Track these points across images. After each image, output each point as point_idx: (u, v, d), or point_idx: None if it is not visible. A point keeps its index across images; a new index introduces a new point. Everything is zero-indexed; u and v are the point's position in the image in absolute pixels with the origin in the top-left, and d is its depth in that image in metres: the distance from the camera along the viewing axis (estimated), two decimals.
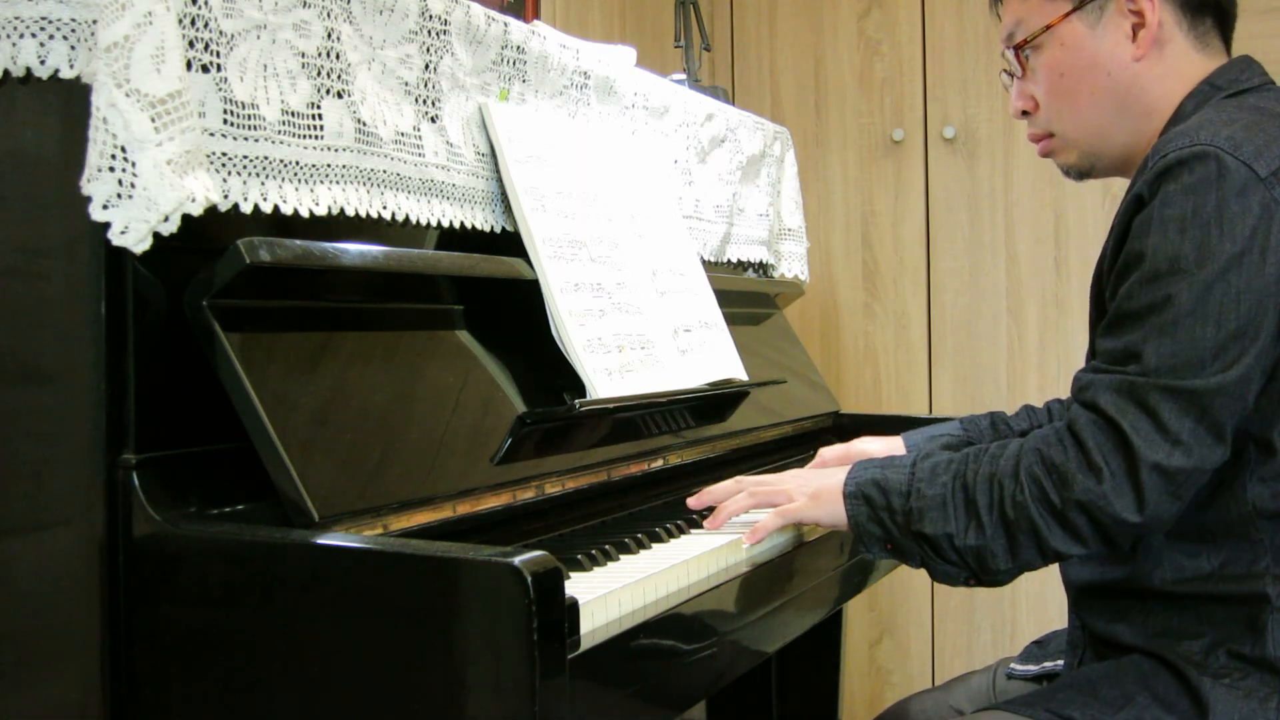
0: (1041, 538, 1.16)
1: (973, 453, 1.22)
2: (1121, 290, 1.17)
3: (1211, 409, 1.11)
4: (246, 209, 1.06)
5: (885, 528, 1.24)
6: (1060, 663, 1.41)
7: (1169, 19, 1.27)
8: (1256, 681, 1.16)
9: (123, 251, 0.97)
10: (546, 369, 1.36)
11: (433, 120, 1.32)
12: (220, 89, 1.04)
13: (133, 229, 0.94)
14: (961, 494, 1.19)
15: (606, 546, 1.22)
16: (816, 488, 1.31)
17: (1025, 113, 1.37)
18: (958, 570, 1.21)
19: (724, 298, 1.77)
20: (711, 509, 1.38)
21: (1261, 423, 1.16)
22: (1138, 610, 1.24)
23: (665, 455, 1.54)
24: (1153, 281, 1.14)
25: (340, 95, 1.17)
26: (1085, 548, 1.17)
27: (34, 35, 0.99)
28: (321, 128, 1.15)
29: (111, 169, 0.94)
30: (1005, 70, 1.38)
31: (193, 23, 1.01)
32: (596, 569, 1.18)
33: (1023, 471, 1.16)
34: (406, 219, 1.27)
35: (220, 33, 1.04)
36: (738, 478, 1.41)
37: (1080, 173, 1.37)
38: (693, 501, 1.41)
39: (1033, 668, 1.47)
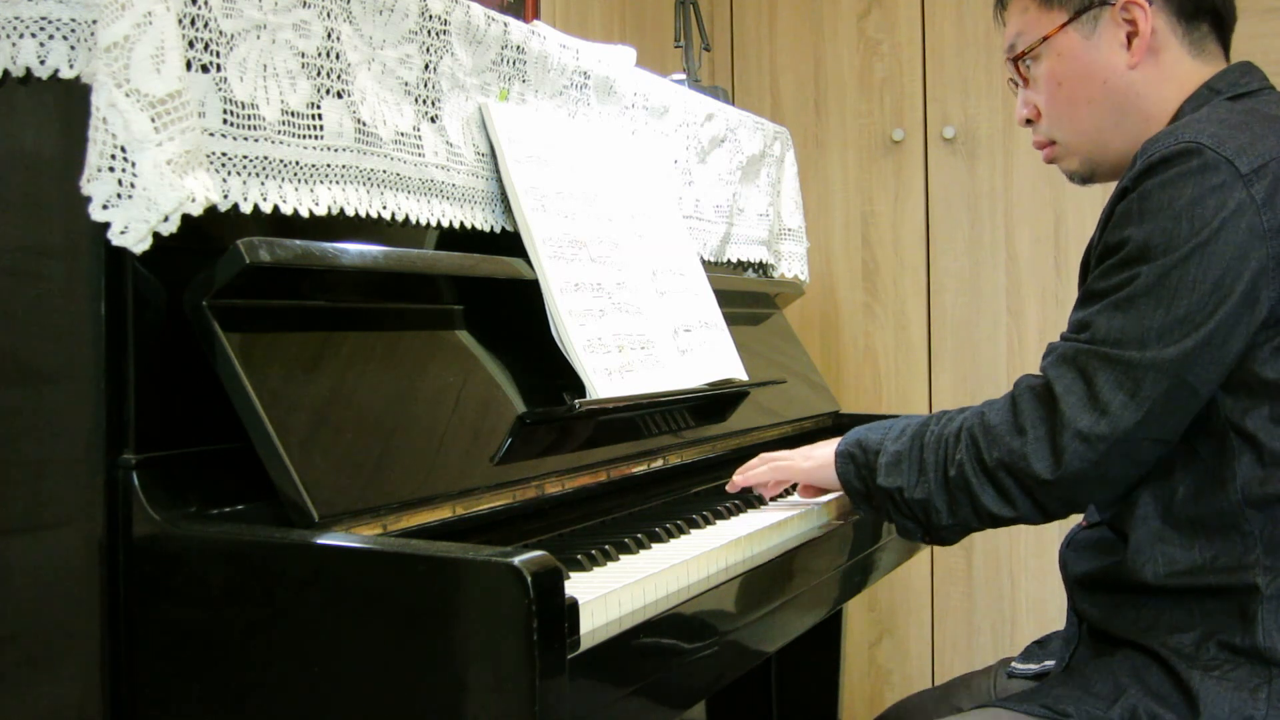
0: (975, 495, 1.23)
1: (936, 415, 1.31)
2: (1096, 272, 1.22)
3: (1144, 383, 1.16)
4: (246, 209, 1.06)
5: (865, 483, 1.33)
6: None
7: (1163, 26, 1.30)
8: (1246, 673, 1.18)
9: (123, 251, 0.97)
10: (546, 369, 1.36)
11: (433, 120, 1.32)
12: (220, 89, 1.04)
13: (133, 229, 0.94)
14: (918, 451, 1.28)
15: (606, 546, 1.22)
16: (814, 452, 1.45)
17: (1029, 121, 1.40)
18: (912, 525, 1.30)
19: (724, 298, 1.77)
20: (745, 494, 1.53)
21: (1242, 413, 1.19)
22: (1130, 604, 1.26)
23: (665, 455, 1.54)
24: (1123, 266, 1.19)
25: (340, 95, 1.17)
26: (1014, 510, 1.23)
27: (34, 35, 0.99)
28: (321, 128, 1.15)
29: (111, 169, 0.94)
30: (1011, 79, 1.42)
31: (193, 23, 1.01)
32: (596, 569, 1.18)
33: (964, 433, 1.25)
34: (406, 219, 1.27)
35: (220, 33, 1.04)
36: (761, 454, 1.53)
37: (1083, 178, 1.41)
38: (730, 488, 1.53)
39: (1033, 667, 1.47)
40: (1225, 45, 1.35)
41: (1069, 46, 1.32)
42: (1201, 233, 1.14)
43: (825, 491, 1.49)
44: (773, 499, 1.55)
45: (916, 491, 1.26)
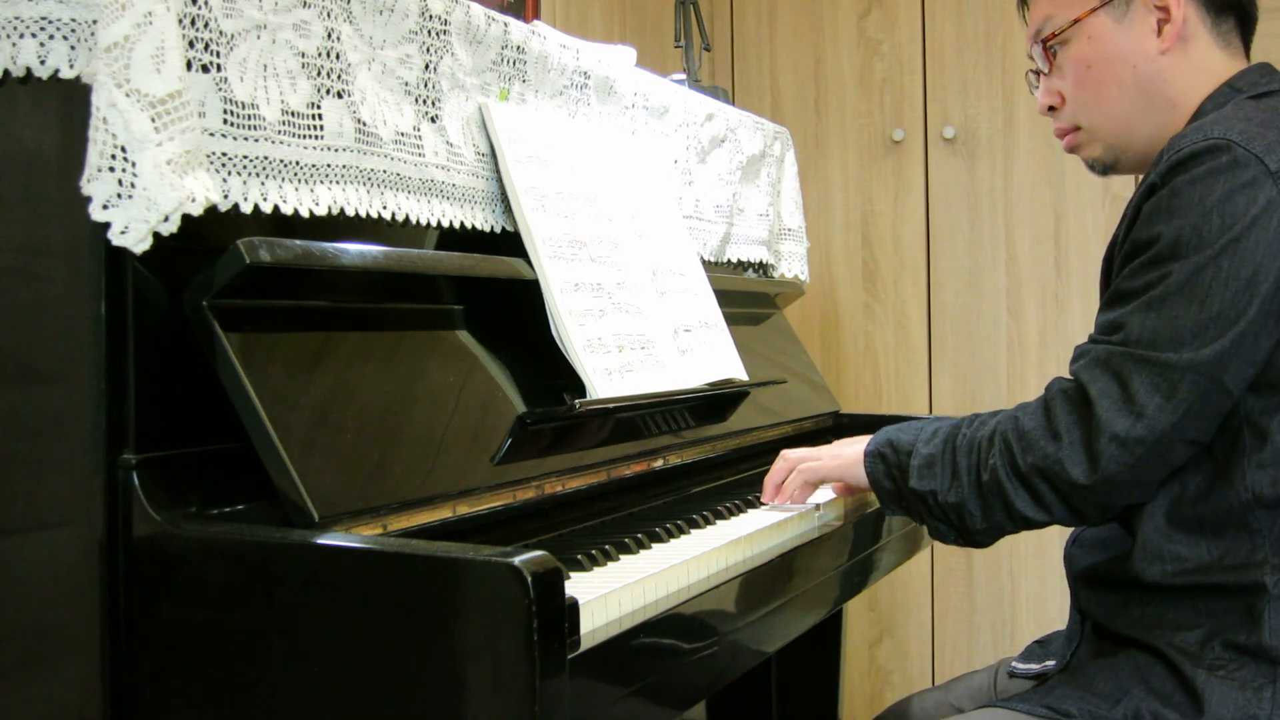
0: (1009, 500, 1.23)
1: (968, 418, 1.31)
2: (1125, 270, 1.22)
3: (1181, 385, 1.15)
4: (246, 209, 1.06)
5: (896, 484, 1.33)
6: None
7: (1193, 15, 1.31)
8: (1252, 672, 1.18)
9: (123, 251, 0.97)
10: (546, 369, 1.36)
11: (433, 120, 1.32)
12: (220, 89, 1.04)
13: (133, 229, 0.94)
14: (950, 455, 1.28)
15: (606, 546, 1.22)
16: (843, 450, 1.45)
17: (1052, 108, 1.40)
18: (945, 528, 1.30)
19: (724, 298, 1.77)
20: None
21: (1260, 411, 1.18)
22: (1136, 601, 1.26)
23: (665, 455, 1.54)
24: (1154, 264, 1.18)
25: (340, 95, 1.17)
26: (1049, 514, 1.23)
27: (34, 35, 0.99)
28: (321, 128, 1.15)
29: (111, 169, 0.94)
30: (1032, 70, 1.42)
31: (193, 23, 1.01)
32: (596, 569, 1.18)
33: (997, 437, 1.25)
34: (406, 219, 1.27)
35: (220, 33, 1.04)
36: (784, 452, 1.52)
37: (1105, 166, 1.40)
38: (765, 497, 1.52)
39: (1034, 666, 1.47)
40: (1247, 45, 1.36)
41: (1100, 29, 1.33)
42: (1233, 229, 1.14)
43: (854, 489, 1.49)
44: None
45: (950, 495, 1.27)
